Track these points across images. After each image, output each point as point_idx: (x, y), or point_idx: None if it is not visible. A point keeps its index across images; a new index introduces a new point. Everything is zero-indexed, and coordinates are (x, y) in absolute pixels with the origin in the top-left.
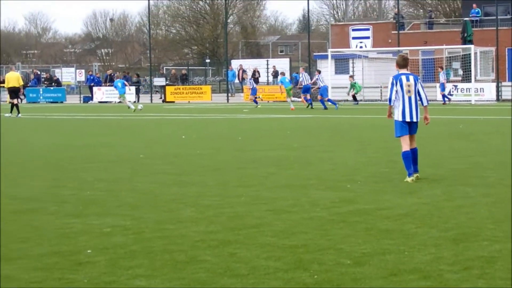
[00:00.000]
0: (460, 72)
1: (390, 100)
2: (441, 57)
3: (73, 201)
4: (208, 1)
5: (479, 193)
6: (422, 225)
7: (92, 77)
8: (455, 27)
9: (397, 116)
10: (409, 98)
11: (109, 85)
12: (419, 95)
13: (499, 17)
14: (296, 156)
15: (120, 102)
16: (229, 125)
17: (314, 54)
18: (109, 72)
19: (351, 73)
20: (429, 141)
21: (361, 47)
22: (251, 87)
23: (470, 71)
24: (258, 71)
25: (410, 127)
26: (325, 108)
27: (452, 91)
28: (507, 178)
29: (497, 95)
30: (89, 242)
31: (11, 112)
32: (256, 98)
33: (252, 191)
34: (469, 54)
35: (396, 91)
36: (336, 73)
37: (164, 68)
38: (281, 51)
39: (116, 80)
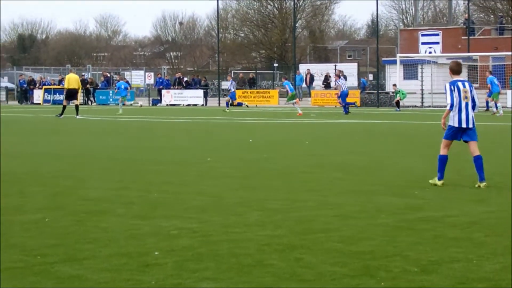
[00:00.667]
0: None
1: (452, 105)
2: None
3: (141, 203)
4: (276, 5)
5: None
6: (491, 234)
7: (161, 80)
8: None
9: (453, 122)
10: (466, 104)
11: (177, 88)
12: (473, 101)
13: None
14: (362, 161)
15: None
16: (296, 130)
17: (383, 59)
18: (178, 75)
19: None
20: (497, 149)
21: (430, 52)
22: (231, 89)
23: None
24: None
25: (466, 133)
26: (346, 113)
27: None
28: None
29: None
30: (157, 244)
31: (62, 113)
32: (228, 102)
33: (319, 196)
34: None
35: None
36: (404, 78)
37: (232, 71)
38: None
39: (120, 82)
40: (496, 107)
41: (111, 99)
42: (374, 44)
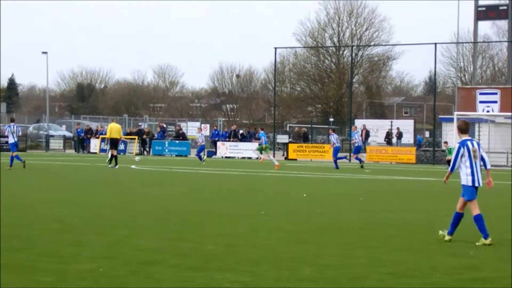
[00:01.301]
0: None
1: (453, 168)
2: None
3: (194, 254)
4: (334, 60)
5: None
6: None
7: (216, 132)
8: None
9: (466, 181)
10: (475, 163)
11: (233, 141)
12: (483, 160)
13: None
14: (417, 219)
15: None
16: (350, 185)
17: (440, 116)
18: (233, 127)
19: (476, 137)
20: None
21: (488, 111)
22: (200, 142)
23: None
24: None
25: (476, 192)
26: (362, 167)
27: None
28: None
29: None
30: None
31: (110, 162)
32: (201, 154)
33: (373, 252)
34: None
35: (462, 157)
36: None
37: (288, 125)
38: (406, 112)
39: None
40: None
41: (166, 150)
42: (431, 101)
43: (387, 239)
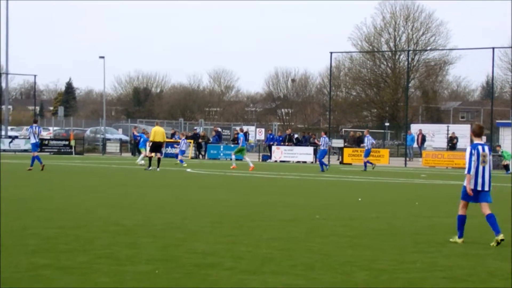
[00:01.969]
0: None
1: (469, 169)
2: None
3: (249, 257)
4: (390, 65)
5: None
6: None
7: (271, 136)
8: None
9: (470, 184)
10: (483, 168)
11: (287, 145)
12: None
13: None
14: (474, 224)
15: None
16: (406, 190)
17: (497, 121)
18: (288, 131)
19: None
20: None
21: None
22: (182, 148)
23: None
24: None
25: (479, 195)
26: (365, 169)
27: None
28: None
29: None
30: None
31: (150, 165)
32: (181, 158)
33: (428, 257)
34: None
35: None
36: None
37: (343, 129)
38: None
39: (142, 134)
40: None
41: (221, 154)
42: (488, 106)
43: (443, 244)
